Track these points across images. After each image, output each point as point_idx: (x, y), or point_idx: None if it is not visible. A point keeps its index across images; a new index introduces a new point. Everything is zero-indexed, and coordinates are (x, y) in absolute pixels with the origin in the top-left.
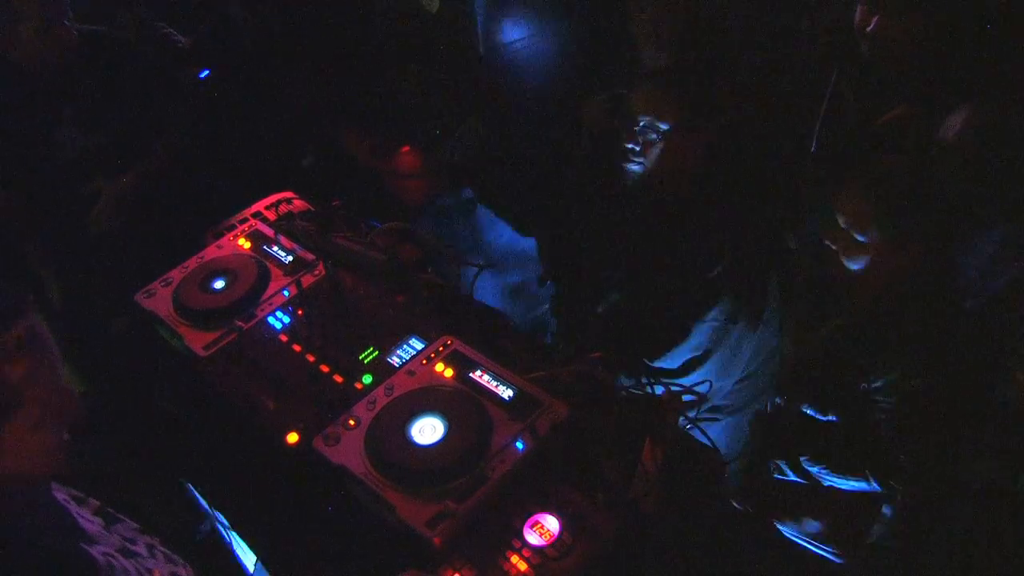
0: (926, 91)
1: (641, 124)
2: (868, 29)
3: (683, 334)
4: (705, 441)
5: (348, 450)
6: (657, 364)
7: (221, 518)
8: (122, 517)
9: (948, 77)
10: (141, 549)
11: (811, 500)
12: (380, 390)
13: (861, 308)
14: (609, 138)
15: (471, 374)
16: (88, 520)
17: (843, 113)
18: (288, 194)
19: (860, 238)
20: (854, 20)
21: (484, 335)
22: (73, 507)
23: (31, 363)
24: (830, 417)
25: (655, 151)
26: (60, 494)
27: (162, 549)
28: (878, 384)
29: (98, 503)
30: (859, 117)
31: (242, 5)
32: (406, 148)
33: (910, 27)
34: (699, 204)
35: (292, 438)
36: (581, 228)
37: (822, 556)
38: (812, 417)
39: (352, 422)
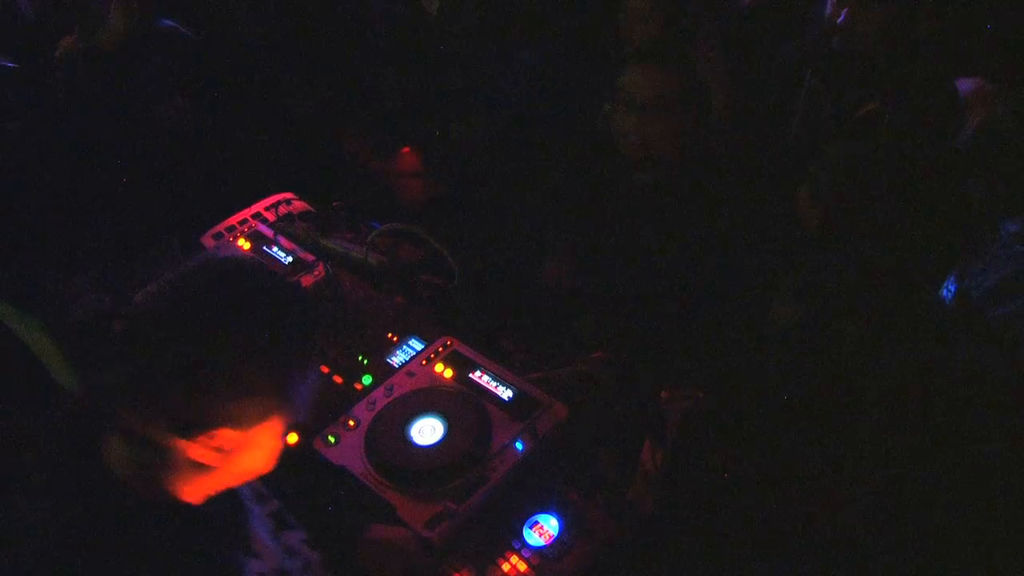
0: (894, 84)
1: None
2: (839, 21)
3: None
4: None
5: (348, 450)
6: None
7: None
8: (294, 524)
9: (915, 70)
10: (296, 566)
11: None
12: (380, 391)
13: None
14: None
15: (471, 374)
16: (261, 523)
17: (818, 106)
18: (288, 195)
19: None
20: (824, 14)
21: (484, 335)
22: (255, 506)
23: None
24: None
25: (648, 128)
26: (246, 488)
27: (320, 568)
28: None
29: (277, 505)
30: (832, 111)
31: (245, 7)
32: (406, 148)
33: (878, 19)
34: (693, 186)
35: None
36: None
37: None
38: None
39: (352, 423)
